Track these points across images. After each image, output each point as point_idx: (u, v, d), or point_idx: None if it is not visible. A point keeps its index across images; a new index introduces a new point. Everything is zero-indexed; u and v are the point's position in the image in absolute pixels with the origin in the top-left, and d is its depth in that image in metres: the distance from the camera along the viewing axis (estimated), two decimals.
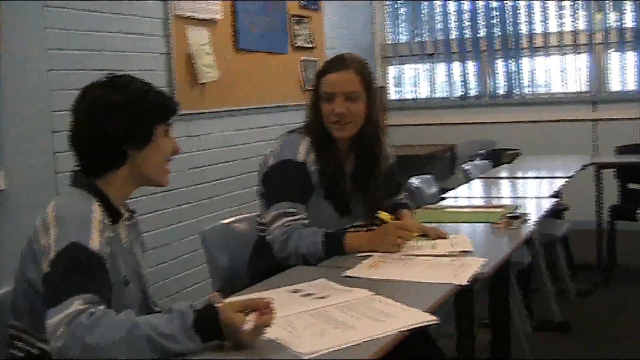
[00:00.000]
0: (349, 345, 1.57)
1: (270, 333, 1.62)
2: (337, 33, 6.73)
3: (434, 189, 4.12)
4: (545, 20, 6.86)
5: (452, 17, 7.14)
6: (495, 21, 6.99)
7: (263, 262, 2.58)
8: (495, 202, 3.59)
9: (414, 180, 3.95)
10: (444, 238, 2.55)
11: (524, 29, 6.91)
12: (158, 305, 2.17)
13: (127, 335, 1.49)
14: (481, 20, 7.02)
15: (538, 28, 6.89)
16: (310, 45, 6.11)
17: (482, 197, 3.92)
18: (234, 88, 5.10)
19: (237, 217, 2.95)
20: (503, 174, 4.77)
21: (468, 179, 4.47)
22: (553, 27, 6.86)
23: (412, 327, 1.68)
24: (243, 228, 2.90)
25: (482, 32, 7.03)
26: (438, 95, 7.39)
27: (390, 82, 7.64)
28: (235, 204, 5.00)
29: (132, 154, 1.88)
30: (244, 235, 2.86)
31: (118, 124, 1.84)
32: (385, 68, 7.60)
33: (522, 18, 6.91)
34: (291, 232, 2.48)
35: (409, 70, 7.55)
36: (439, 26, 7.23)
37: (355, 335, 1.62)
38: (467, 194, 3.93)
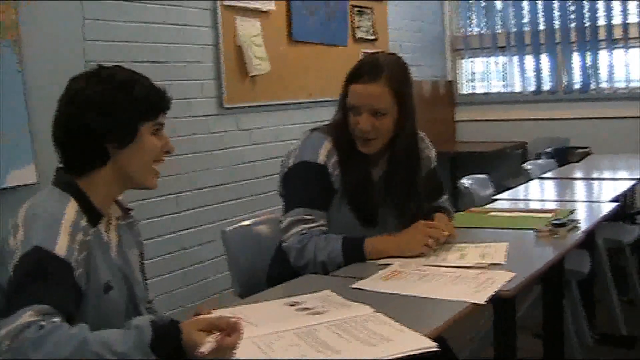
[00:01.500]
0: None
1: (242, 353, 1.45)
2: (404, 24, 6.50)
3: (488, 190, 3.86)
4: (624, 10, 6.43)
5: (526, 8, 6.78)
6: (571, 12, 6.60)
7: (281, 268, 2.42)
8: (549, 205, 3.31)
9: (465, 181, 3.71)
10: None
11: (602, 20, 6.50)
12: (154, 310, 2.03)
13: (75, 352, 1.34)
14: (556, 11, 6.64)
15: (617, 19, 6.47)
16: (372, 37, 5.90)
17: (536, 200, 3.64)
18: (288, 81, 4.95)
19: (260, 218, 2.79)
20: (566, 175, 4.44)
21: (528, 179, 4.20)
22: (633, 18, 6.43)
23: (406, 354, 1.48)
24: (266, 229, 2.74)
25: (557, 24, 6.65)
26: (510, 89, 7.05)
27: (461, 75, 7.34)
28: None
29: (114, 152, 1.74)
30: (267, 237, 2.70)
31: (97, 120, 1.69)
32: (456, 61, 7.31)
33: (601, 9, 6.50)
34: (308, 240, 2.31)
35: (480, 63, 7.24)
36: (512, 17, 6.88)
37: None
38: (522, 196, 3.66)
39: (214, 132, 4.40)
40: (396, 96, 2.33)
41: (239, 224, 2.72)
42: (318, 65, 5.19)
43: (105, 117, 1.69)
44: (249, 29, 4.55)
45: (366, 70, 2.35)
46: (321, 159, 2.38)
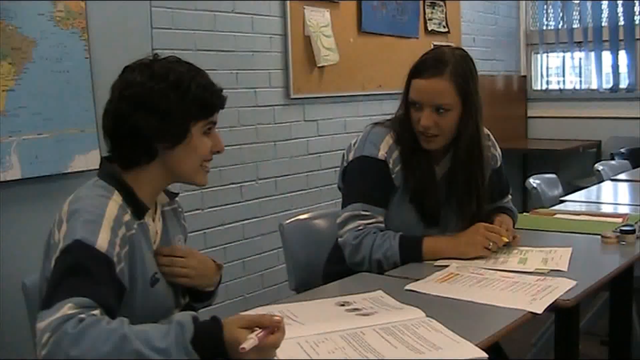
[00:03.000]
0: None
1: (285, 353, 1.42)
2: (477, 17, 6.37)
3: (557, 191, 3.75)
4: None
5: (605, 3, 6.55)
6: None
7: (337, 265, 2.38)
8: (620, 209, 3.18)
9: (532, 181, 3.60)
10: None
11: None
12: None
13: (115, 349, 1.32)
14: (637, 7, 6.39)
15: None
16: (445, 30, 5.80)
17: (606, 203, 3.49)
18: (356, 72, 4.89)
19: (319, 212, 2.76)
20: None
21: (600, 180, 4.05)
22: None
23: None
24: (324, 224, 2.70)
25: (637, 19, 6.41)
26: (586, 86, 6.84)
27: (535, 71, 7.15)
28: None
29: (163, 151, 1.71)
30: (325, 232, 2.66)
31: (148, 120, 1.65)
32: (530, 56, 7.13)
33: None
34: (364, 236, 2.26)
35: (556, 59, 7.03)
36: (590, 12, 6.66)
37: None
38: (592, 198, 3.53)
39: (279, 123, 4.38)
40: (460, 92, 2.25)
41: (297, 218, 2.70)
42: (387, 57, 5.12)
43: (156, 118, 1.65)
44: (318, 19, 4.52)
45: (430, 64, 2.27)
46: (381, 153, 2.33)
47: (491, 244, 2.22)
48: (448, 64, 2.25)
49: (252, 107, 4.17)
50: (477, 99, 2.31)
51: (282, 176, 4.43)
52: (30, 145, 3.02)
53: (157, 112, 1.65)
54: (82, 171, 3.14)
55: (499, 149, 2.58)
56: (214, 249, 3.90)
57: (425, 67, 2.28)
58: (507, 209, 2.57)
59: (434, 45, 5.61)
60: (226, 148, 4.16)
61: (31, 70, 3.02)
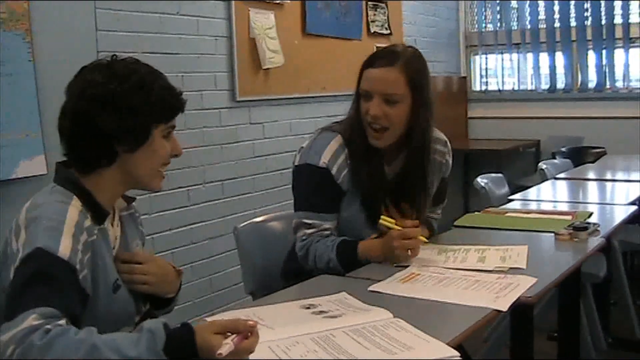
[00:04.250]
0: None
1: (259, 358, 1.40)
2: (419, 19, 6.43)
3: (503, 189, 3.80)
4: None
5: (542, 5, 6.68)
6: (587, 10, 6.50)
7: (296, 262, 2.38)
8: (567, 207, 3.24)
9: (480, 180, 3.64)
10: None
11: (618, 18, 6.39)
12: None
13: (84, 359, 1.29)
14: (572, 9, 6.54)
15: (634, 17, 6.36)
16: (387, 32, 5.83)
17: (553, 201, 3.55)
18: (301, 74, 4.88)
19: (272, 214, 2.74)
20: (583, 175, 4.34)
21: (544, 179, 4.12)
22: None
23: None
24: (279, 226, 2.68)
25: (573, 22, 6.55)
26: (524, 87, 6.96)
27: (474, 72, 7.25)
28: None
29: (123, 154, 1.66)
30: (280, 234, 2.65)
31: (109, 120, 1.61)
32: (470, 57, 7.23)
33: (617, 7, 6.39)
34: (308, 246, 2.29)
35: (494, 60, 7.15)
36: (528, 15, 6.78)
37: None
38: (538, 197, 3.59)
39: (225, 125, 4.34)
40: (411, 84, 2.25)
41: (252, 221, 2.67)
42: (332, 59, 5.12)
43: (118, 119, 1.61)
44: (263, 21, 4.49)
45: (382, 56, 2.29)
46: (323, 162, 2.31)
47: (406, 251, 2.18)
48: (401, 56, 2.26)
49: (198, 110, 4.12)
50: (428, 94, 2.31)
51: (229, 179, 4.39)
52: None
53: (120, 112, 1.61)
54: (28, 177, 3.05)
55: (451, 159, 2.57)
56: (162, 253, 3.83)
57: (377, 57, 2.29)
58: (430, 223, 2.56)
59: (377, 47, 5.64)
60: None
61: None
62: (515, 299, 1.81)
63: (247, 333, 1.37)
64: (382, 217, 2.24)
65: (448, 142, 2.54)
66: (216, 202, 4.27)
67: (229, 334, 1.36)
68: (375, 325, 1.61)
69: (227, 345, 1.32)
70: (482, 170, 4.38)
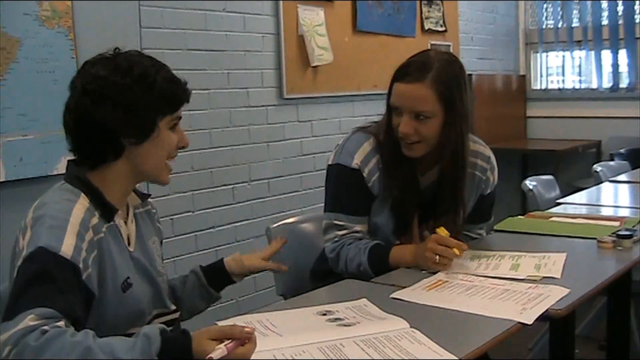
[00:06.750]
0: None
1: None
2: (476, 16, 6.30)
3: (553, 192, 3.67)
4: None
5: (604, 1, 6.47)
6: None
7: (326, 263, 2.34)
8: (619, 211, 3.10)
9: (529, 182, 3.53)
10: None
11: None
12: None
13: None
14: (637, 5, 6.31)
15: None
16: (442, 29, 5.73)
17: (603, 205, 3.40)
18: (352, 72, 4.82)
19: (305, 215, 2.70)
20: (639, 178, 4.15)
21: (598, 182, 3.98)
22: None
23: None
24: (311, 227, 2.64)
25: (637, 18, 6.33)
26: (586, 86, 6.75)
27: (534, 70, 7.07)
28: None
29: (129, 147, 1.64)
30: (312, 235, 2.60)
31: (114, 115, 1.59)
32: (529, 55, 7.05)
33: None
34: (340, 249, 2.24)
35: (555, 58, 6.95)
36: (590, 11, 6.57)
37: None
38: (589, 200, 3.45)
39: (272, 123, 4.32)
40: (442, 100, 2.13)
41: (284, 221, 2.63)
42: (383, 57, 5.03)
43: (123, 113, 1.59)
44: (311, 18, 4.45)
45: (412, 69, 2.16)
46: (355, 162, 2.25)
47: (438, 257, 2.08)
48: (431, 69, 2.13)
49: (245, 107, 4.10)
50: (462, 106, 2.18)
51: (275, 178, 4.37)
52: (15, 147, 2.96)
53: (123, 105, 1.59)
54: None
55: (496, 176, 2.45)
56: (204, 252, 3.83)
57: (408, 71, 2.17)
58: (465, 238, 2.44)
59: (431, 44, 5.55)
60: (218, 149, 4.10)
61: (16, 70, 2.97)
62: (542, 311, 1.71)
63: (244, 340, 1.33)
64: (440, 227, 2.15)
65: (492, 158, 2.43)
66: (261, 200, 4.25)
67: (226, 340, 1.32)
68: (388, 335, 1.54)
69: (219, 350, 1.30)
70: (540, 171, 4.25)
